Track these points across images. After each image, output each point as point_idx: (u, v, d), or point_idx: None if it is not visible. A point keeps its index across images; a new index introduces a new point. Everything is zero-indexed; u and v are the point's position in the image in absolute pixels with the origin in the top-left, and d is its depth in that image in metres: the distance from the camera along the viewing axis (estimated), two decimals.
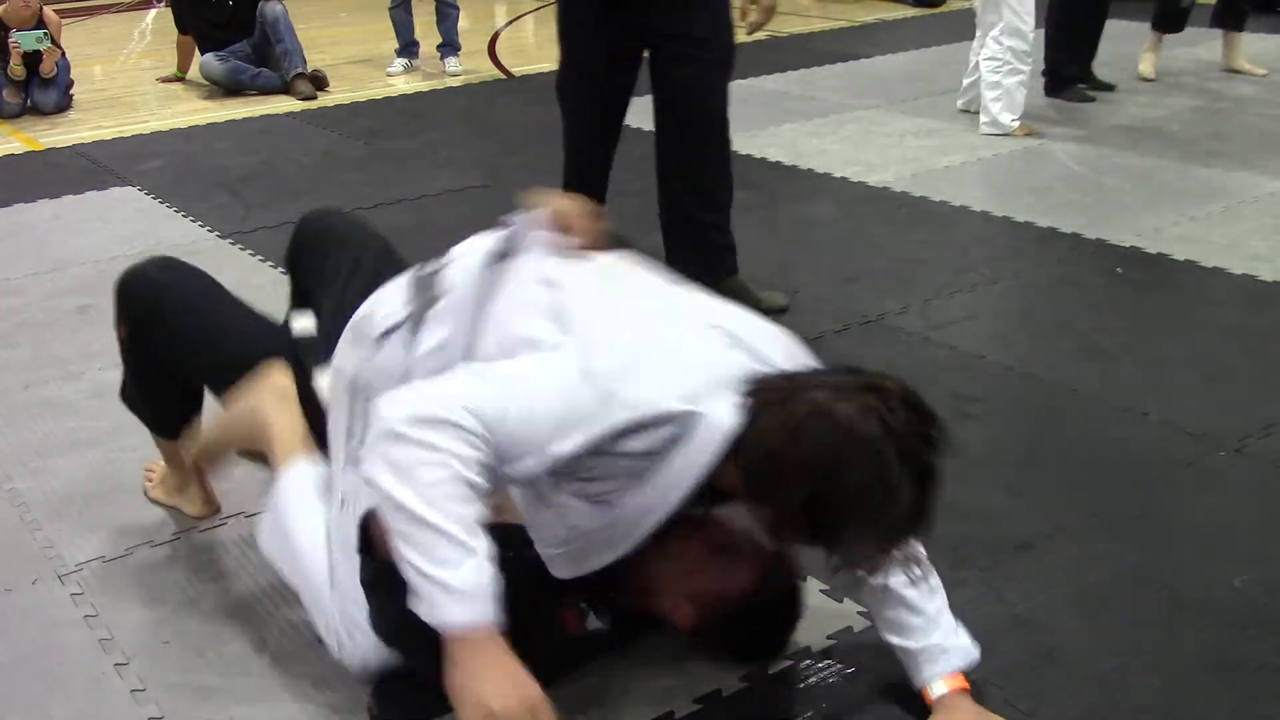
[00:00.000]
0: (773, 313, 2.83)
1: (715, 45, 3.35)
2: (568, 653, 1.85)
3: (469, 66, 6.99)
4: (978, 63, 5.30)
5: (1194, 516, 2.32)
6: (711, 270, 3.30)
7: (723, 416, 1.52)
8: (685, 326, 1.66)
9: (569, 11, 3.46)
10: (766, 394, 1.54)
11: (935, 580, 1.81)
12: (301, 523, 1.92)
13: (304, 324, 2.09)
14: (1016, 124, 5.16)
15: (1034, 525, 2.31)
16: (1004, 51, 5.11)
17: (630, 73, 3.46)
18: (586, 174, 3.57)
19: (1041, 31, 5.62)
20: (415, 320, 1.84)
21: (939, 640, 1.76)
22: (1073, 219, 4.02)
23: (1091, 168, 4.65)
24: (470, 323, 1.77)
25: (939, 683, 1.75)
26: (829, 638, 1.96)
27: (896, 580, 1.74)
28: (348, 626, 1.81)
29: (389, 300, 1.90)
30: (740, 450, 1.52)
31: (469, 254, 1.89)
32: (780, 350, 1.68)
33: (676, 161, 3.46)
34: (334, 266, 2.09)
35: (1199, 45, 6.22)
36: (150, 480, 2.48)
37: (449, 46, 6.93)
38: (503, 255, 1.86)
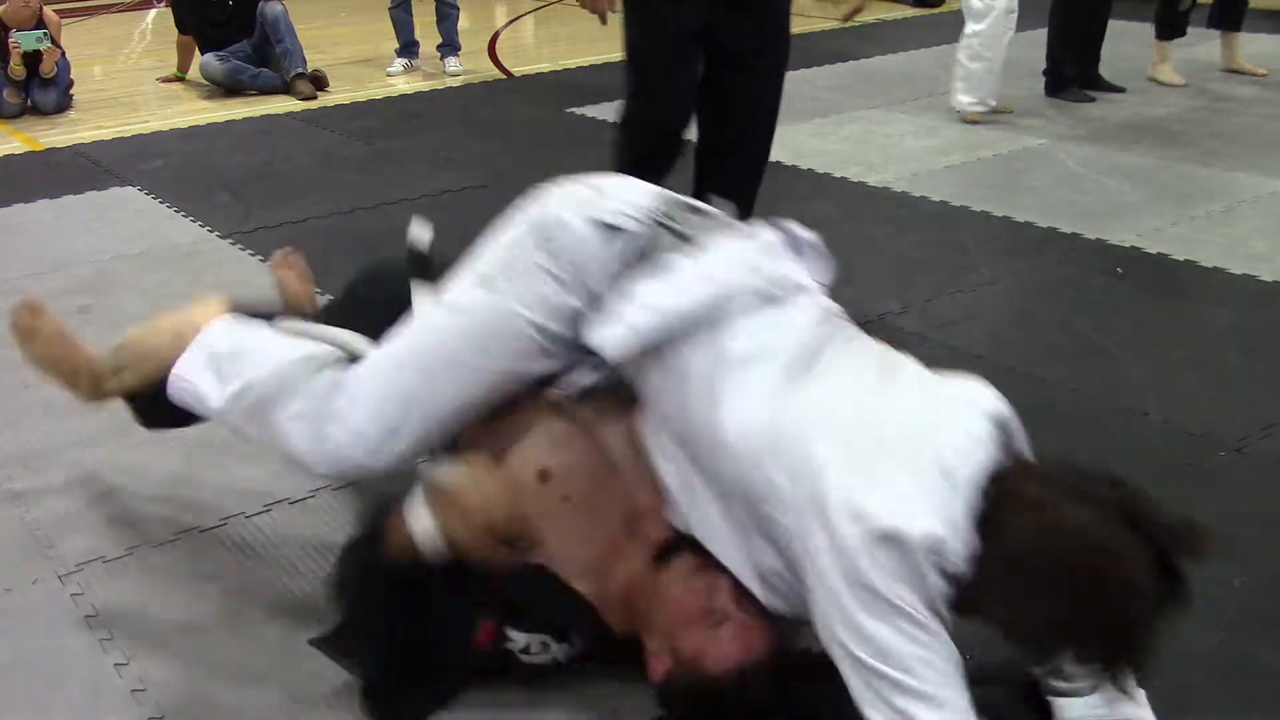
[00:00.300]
0: None
1: (769, 52, 3.31)
2: (476, 666, 1.81)
3: (469, 66, 6.98)
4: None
5: (1195, 516, 2.32)
6: None
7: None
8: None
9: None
10: (1013, 490, 1.45)
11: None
12: (252, 334, 1.94)
13: (420, 234, 2.11)
14: (974, 108, 5.31)
15: None
16: (971, 36, 5.27)
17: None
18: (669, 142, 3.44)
19: (1042, 31, 5.63)
20: (641, 244, 1.68)
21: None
22: (1073, 219, 4.02)
23: (1091, 168, 4.65)
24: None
25: None
26: None
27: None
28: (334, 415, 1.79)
29: (621, 197, 1.73)
30: (987, 542, 1.43)
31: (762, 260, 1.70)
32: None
33: (715, 164, 3.41)
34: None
35: (1198, 45, 6.22)
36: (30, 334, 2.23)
37: (449, 46, 6.93)
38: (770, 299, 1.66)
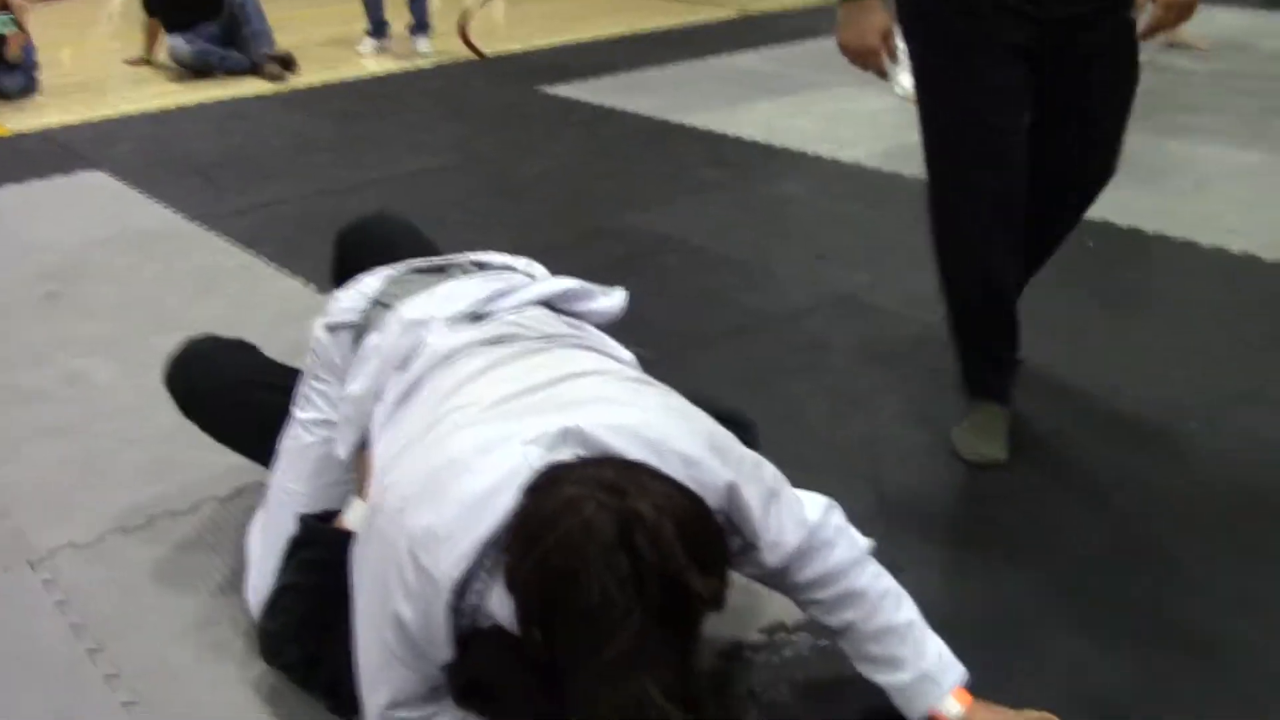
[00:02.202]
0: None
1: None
2: None
3: (441, 47, 6.95)
4: None
5: (1168, 486, 2.34)
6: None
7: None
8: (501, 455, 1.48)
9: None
10: (540, 478, 1.40)
11: (892, 586, 1.68)
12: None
13: None
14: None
15: (1006, 499, 2.32)
16: None
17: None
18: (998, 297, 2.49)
19: None
20: (359, 329, 1.89)
21: (930, 664, 1.65)
22: None
23: None
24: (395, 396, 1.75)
25: (949, 701, 1.65)
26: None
27: (858, 613, 1.64)
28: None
29: (354, 289, 1.92)
30: (505, 533, 1.39)
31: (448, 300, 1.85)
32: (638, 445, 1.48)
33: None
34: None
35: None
36: None
37: (420, 26, 6.89)
38: (476, 317, 1.83)
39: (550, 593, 1.30)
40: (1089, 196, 2.47)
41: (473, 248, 2.14)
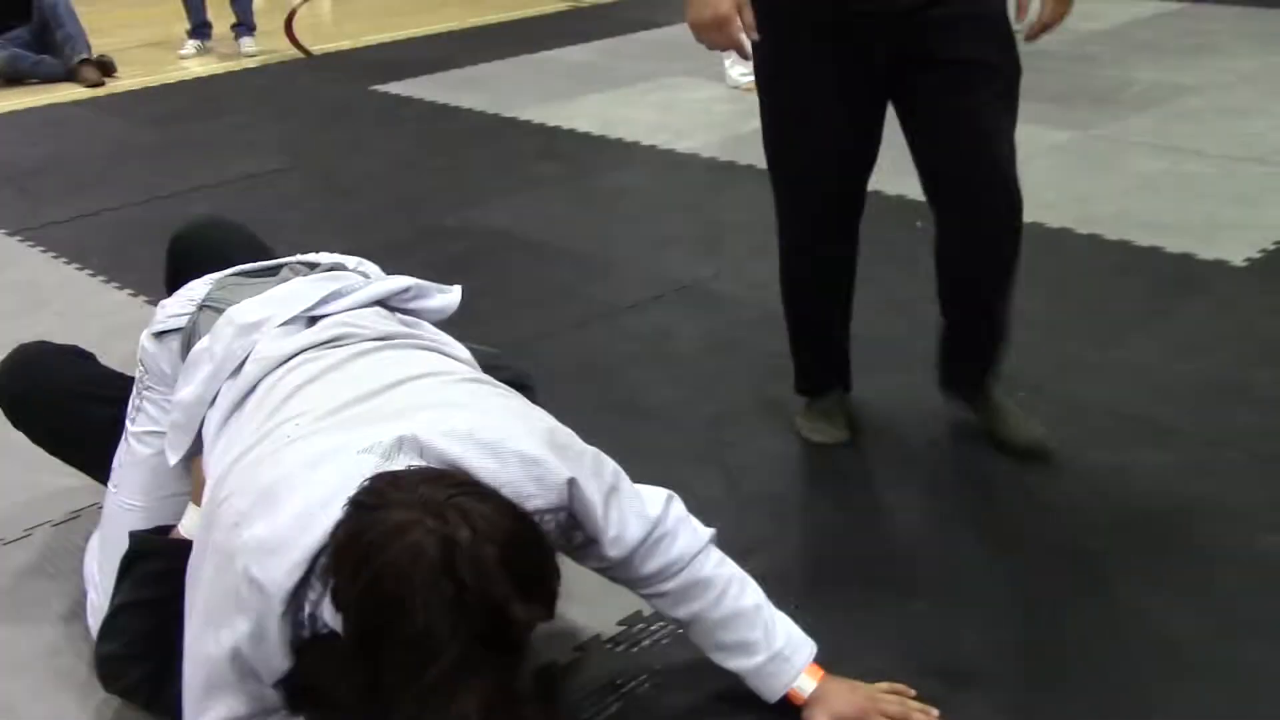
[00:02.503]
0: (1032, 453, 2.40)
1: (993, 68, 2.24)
2: None
3: (266, 46, 6.78)
4: None
5: (995, 454, 2.43)
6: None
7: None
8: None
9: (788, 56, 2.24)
10: (364, 494, 1.36)
11: (735, 572, 1.70)
12: None
13: None
14: (746, 80, 5.36)
15: (849, 477, 2.38)
16: None
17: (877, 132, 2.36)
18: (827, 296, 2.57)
19: None
20: (187, 335, 1.84)
21: (781, 644, 1.69)
22: (873, 177, 4.12)
23: (888, 124, 4.77)
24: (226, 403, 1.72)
25: (803, 679, 1.69)
26: None
27: (704, 602, 1.66)
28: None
29: (182, 294, 1.87)
30: (328, 550, 1.37)
31: (284, 303, 1.81)
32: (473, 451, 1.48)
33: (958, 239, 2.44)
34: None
35: None
36: None
37: (244, 26, 6.71)
38: (310, 320, 1.80)
39: (376, 617, 1.29)
40: (987, 235, 2.34)
41: (307, 250, 2.10)
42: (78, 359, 2.14)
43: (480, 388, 1.67)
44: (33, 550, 2.24)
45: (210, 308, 1.86)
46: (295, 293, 1.84)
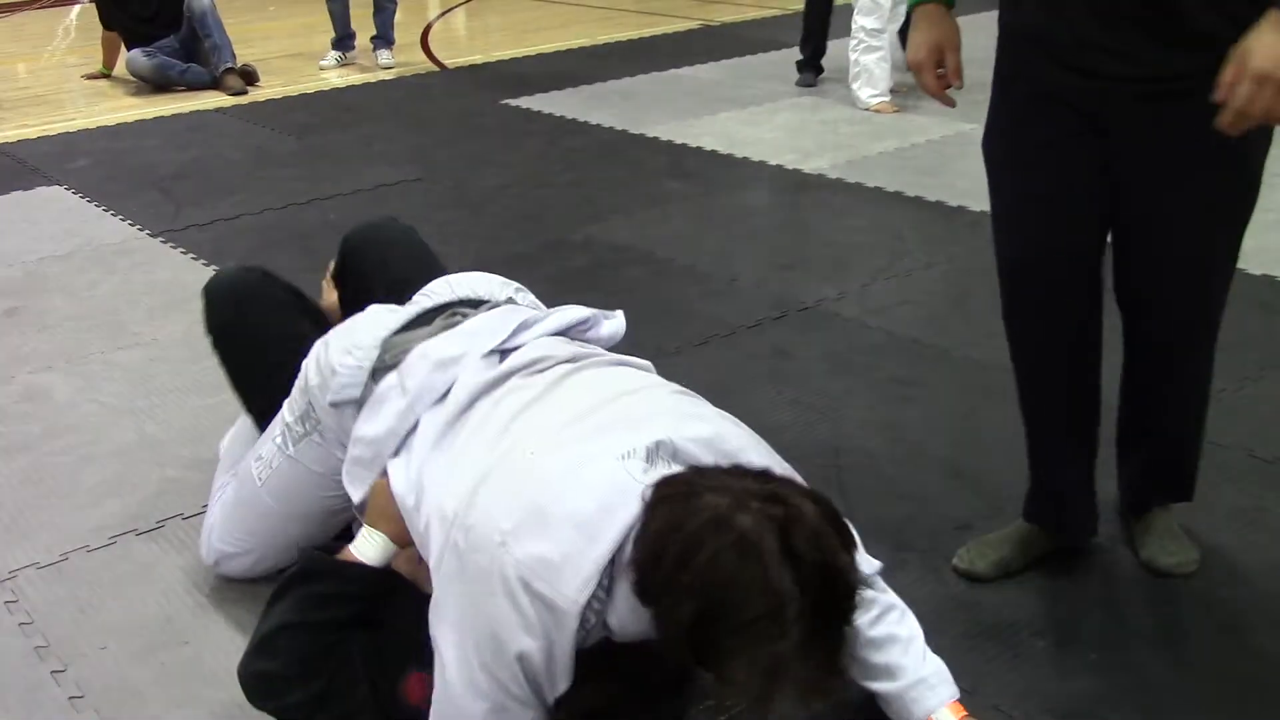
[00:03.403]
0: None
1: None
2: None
3: (402, 59, 6.93)
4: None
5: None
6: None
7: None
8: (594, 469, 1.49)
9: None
10: (668, 488, 1.40)
11: (897, 601, 1.73)
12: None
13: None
14: (875, 100, 5.38)
15: (973, 505, 2.34)
16: (858, 30, 5.37)
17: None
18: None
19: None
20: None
21: (928, 673, 1.68)
22: None
23: None
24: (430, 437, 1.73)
25: (944, 712, 1.67)
26: None
27: (863, 620, 1.64)
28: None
29: (350, 361, 1.88)
30: (635, 544, 1.39)
31: (472, 339, 1.83)
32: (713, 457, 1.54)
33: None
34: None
35: None
36: None
37: (382, 39, 6.88)
38: (505, 352, 1.82)
39: (713, 603, 1.30)
40: (1158, 358, 2.00)
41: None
42: (289, 309, 2.21)
43: (693, 398, 1.74)
44: (164, 541, 2.31)
45: (381, 370, 1.87)
46: (487, 326, 1.87)
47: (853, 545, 1.40)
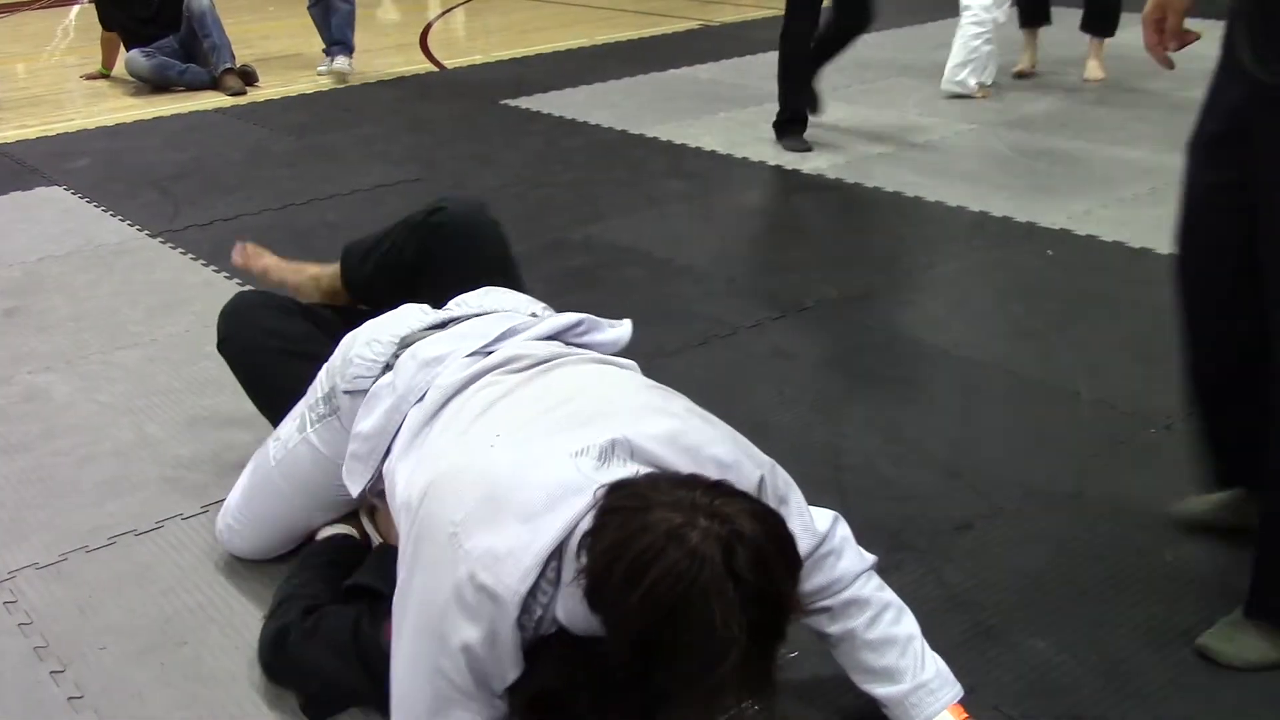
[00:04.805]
0: None
1: None
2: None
3: (402, 59, 6.93)
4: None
5: (1127, 493, 2.37)
6: None
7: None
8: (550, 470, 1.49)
9: None
10: (621, 498, 1.38)
11: (893, 599, 1.73)
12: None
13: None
14: (978, 83, 5.58)
15: (972, 505, 2.34)
16: (986, 20, 5.48)
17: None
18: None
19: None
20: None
21: (929, 677, 1.68)
22: (1004, 203, 4.07)
23: (1021, 152, 4.71)
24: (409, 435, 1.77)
25: (946, 715, 1.67)
26: None
27: (859, 622, 1.68)
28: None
29: (368, 355, 1.94)
30: (587, 554, 1.37)
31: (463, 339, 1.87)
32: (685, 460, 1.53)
33: None
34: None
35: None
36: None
37: (341, 45, 6.61)
38: (489, 353, 1.84)
39: (659, 622, 1.29)
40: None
41: None
42: (281, 314, 2.30)
43: (663, 391, 1.73)
44: (163, 541, 2.31)
45: (390, 365, 1.93)
46: (477, 329, 1.90)
47: (797, 566, 1.39)
